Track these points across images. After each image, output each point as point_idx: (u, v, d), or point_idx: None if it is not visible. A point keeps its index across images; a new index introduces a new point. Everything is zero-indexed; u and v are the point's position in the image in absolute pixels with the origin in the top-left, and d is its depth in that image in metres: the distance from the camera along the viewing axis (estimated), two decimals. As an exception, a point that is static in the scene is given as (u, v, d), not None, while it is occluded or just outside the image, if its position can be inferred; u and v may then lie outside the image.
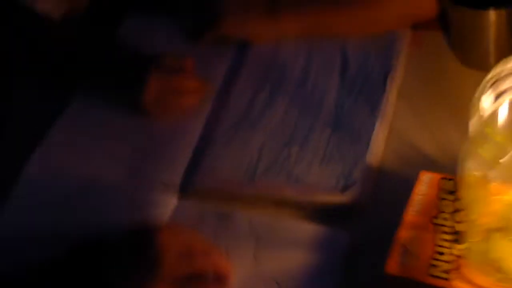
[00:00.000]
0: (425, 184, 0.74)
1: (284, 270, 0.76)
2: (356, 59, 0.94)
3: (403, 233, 0.71)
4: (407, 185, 0.75)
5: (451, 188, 0.73)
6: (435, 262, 0.68)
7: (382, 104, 0.87)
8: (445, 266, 0.68)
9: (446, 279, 0.67)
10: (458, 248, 0.69)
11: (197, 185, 0.86)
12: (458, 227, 0.69)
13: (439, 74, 0.90)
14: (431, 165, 0.75)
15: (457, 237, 0.69)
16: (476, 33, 0.86)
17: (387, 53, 0.93)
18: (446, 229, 0.70)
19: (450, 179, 0.73)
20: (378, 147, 0.84)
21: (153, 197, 0.84)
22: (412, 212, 0.72)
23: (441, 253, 0.69)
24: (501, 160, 0.60)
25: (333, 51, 0.96)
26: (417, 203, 0.73)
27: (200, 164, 0.88)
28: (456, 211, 0.71)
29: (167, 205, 0.83)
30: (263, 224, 0.81)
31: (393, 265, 0.69)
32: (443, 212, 0.72)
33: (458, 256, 0.68)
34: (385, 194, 0.80)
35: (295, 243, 0.78)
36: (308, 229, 0.79)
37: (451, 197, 0.73)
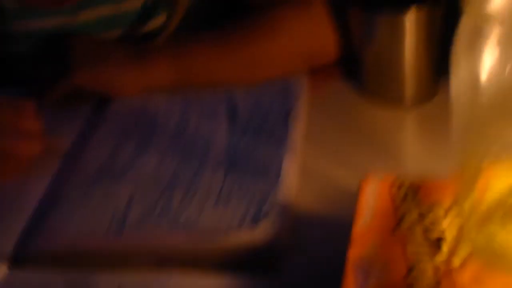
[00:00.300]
0: (370, 195, 0.52)
1: None
2: (247, 105, 0.75)
3: (356, 252, 0.48)
4: (330, 222, 0.58)
5: (405, 192, 0.52)
6: (412, 280, 0.44)
7: (287, 141, 0.67)
8: (429, 276, 0.44)
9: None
10: (443, 257, 0.45)
11: (34, 250, 0.58)
12: (437, 232, 0.47)
13: (346, 113, 0.74)
14: (352, 199, 0.55)
15: (435, 244, 0.47)
16: (391, 51, 0.73)
17: (284, 96, 0.76)
18: (417, 238, 0.48)
19: (400, 185, 0.52)
20: (290, 183, 0.62)
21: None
22: (361, 228, 0.50)
23: (418, 268, 0.45)
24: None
25: (216, 99, 0.76)
26: (364, 217, 0.50)
27: (40, 226, 0.62)
28: (422, 215, 0.49)
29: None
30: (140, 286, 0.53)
31: (350, 283, 0.44)
32: (404, 220, 0.49)
33: (447, 265, 0.45)
34: (306, 231, 0.58)
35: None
36: (206, 284, 0.53)
37: (410, 203, 0.51)
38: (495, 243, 0.46)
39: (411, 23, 0.71)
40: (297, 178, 0.65)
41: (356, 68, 0.78)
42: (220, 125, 0.73)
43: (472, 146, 0.46)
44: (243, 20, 0.80)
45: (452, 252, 0.47)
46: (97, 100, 0.80)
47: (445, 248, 0.48)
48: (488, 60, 0.44)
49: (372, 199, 0.53)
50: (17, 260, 0.60)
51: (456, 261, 0.47)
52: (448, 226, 0.49)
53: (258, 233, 0.56)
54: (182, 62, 0.79)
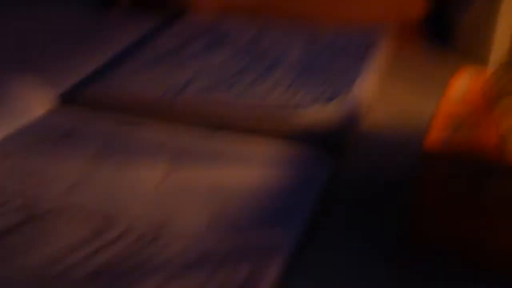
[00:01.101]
0: (467, 76, 0.48)
1: (219, 193, 0.44)
2: (328, 35, 0.70)
3: (447, 109, 0.42)
4: (398, 132, 0.55)
5: (500, 78, 0.47)
6: (508, 140, 0.39)
7: (367, 61, 0.62)
8: None
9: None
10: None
11: (88, 93, 0.55)
12: None
13: (428, 64, 0.70)
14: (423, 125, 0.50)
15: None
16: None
17: (368, 34, 0.71)
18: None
19: (496, 73, 0.48)
20: (365, 92, 0.57)
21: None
22: (455, 94, 0.45)
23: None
24: None
25: (295, 26, 0.72)
26: (460, 89, 0.46)
27: (104, 75, 0.58)
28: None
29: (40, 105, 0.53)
30: (187, 136, 0.49)
31: (435, 142, 0.39)
32: (506, 95, 0.44)
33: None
34: (378, 137, 0.53)
35: (243, 160, 0.46)
36: (264, 146, 0.48)
37: (505, 84, 0.46)
38: None
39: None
40: (371, 93, 0.60)
41: (444, 25, 0.74)
42: (298, 44, 0.69)
43: None
44: None
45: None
46: (172, 11, 0.77)
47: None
48: None
49: (467, 81, 0.48)
50: (69, 100, 0.56)
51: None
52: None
53: (331, 107, 0.51)
54: None
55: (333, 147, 0.51)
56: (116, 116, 0.53)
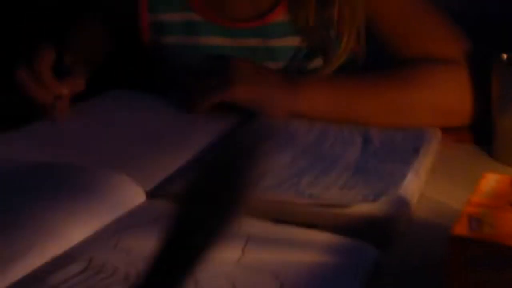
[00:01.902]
0: (492, 181, 0.56)
1: (284, 265, 0.53)
2: (380, 138, 0.80)
3: (470, 210, 0.51)
4: (439, 227, 0.60)
5: None
6: None
7: (413, 165, 0.72)
8: None
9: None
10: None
11: (171, 189, 0.66)
12: None
13: (471, 170, 0.77)
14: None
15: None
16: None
17: (416, 138, 0.80)
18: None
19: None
20: (410, 191, 0.66)
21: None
22: (479, 197, 0.53)
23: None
24: None
25: (352, 131, 0.82)
26: (483, 193, 0.54)
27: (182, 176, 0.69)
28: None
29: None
30: (258, 226, 0.59)
31: (462, 230, 0.48)
32: None
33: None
34: (421, 226, 0.61)
35: (299, 246, 0.56)
36: (319, 236, 0.58)
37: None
38: None
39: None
40: (416, 193, 0.69)
41: (489, 132, 0.82)
42: (353, 147, 0.78)
43: None
44: (396, 69, 0.87)
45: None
46: (242, 117, 0.87)
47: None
48: None
49: (491, 185, 0.56)
50: (155, 195, 0.67)
51: None
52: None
53: (378, 204, 0.60)
54: (327, 97, 0.86)
55: (379, 240, 0.59)
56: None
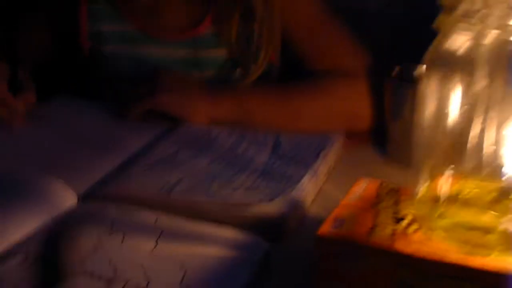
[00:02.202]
0: (363, 185, 0.69)
1: (189, 256, 0.65)
2: (289, 143, 0.92)
3: (339, 211, 0.64)
4: None
5: (386, 190, 0.68)
6: (376, 231, 0.60)
7: (312, 167, 0.84)
8: (386, 233, 0.60)
9: (387, 242, 0.58)
10: (401, 226, 0.61)
11: (103, 193, 0.77)
12: (400, 214, 0.63)
13: (367, 168, 0.89)
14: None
15: (398, 220, 0.62)
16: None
17: (320, 143, 0.92)
18: (386, 214, 0.64)
19: (384, 185, 0.69)
20: (305, 192, 0.78)
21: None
22: (349, 200, 0.66)
23: (382, 226, 0.61)
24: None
25: (266, 136, 0.94)
26: (354, 196, 0.67)
27: (112, 179, 0.81)
28: (397, 201, 0.65)
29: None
30: (172, 222, 0.71)
31: (325, 230, 0.60)
32: (381, 204, 0.65)
33: (403, 231, 0.60)
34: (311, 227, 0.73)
35: (205, 240, 0.68)
36: (223, 232, 0.69)
37: (388, 196, 0.67)
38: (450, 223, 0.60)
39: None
40: (312, 193, 0.81)
41: (385, 136, 0.95)
42: (264, 152, 0.90)
43: (431, 163, 0.63)
44: (301, 81, 1.00)
45: (408, 226, 0.62)
46: (169, 123, 0.98)
47: (404, 223, 0.63)
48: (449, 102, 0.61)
49: (362, 189, 0.68)
50: (87, 197, 0.78)
51: (410, 230, 0.62)
52: (408, 213, 0.64)
53: (273, 205, 0.73)
54: (244, 105, 0.99)
55: (273, 235, 0.72)
56: (122, 206, 0.74)
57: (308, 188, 0.79)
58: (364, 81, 0.98)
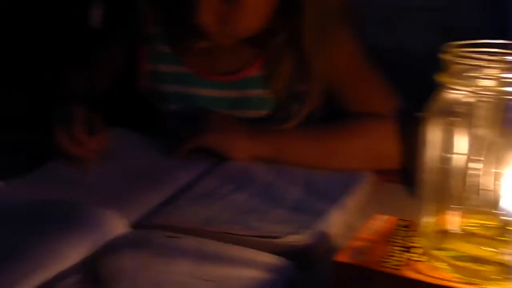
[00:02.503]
0: (380, 220, 0.77)
1: (225, 276, 0.75)
2: (320, 180, 1.01)
3: (355, 243, 0.72)
4: None
5: (405, 224, 0.76)
6: (387, 259, 0.68)
7: (340, 202, 0.92)
8: (396, 262, 0.68)
9: (397, 269, 0.67)
10: (409, 254, 0.69)
11: (152, 222, 0.87)
12: (412, 244, 0.71)
13: (395, 207, 0.96)
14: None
15: (407, 249, 0.71)
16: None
17: (349, 180, 1.01)
18: (398, 243, 0.72)
19: (400, 221, 0.77)
20: (331, 225, 0.87)
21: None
22: (366, 232, 0.74)
23: (392, 255, 0.69)
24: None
25: (300, 174, 1.03)
26: (371, 229, 0.75)
27: (161, 210, 0.91)
28: (409, 235, 0.73)
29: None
30: (212, 247, 0.80)
31: (343, 256, 0.69)
32: (397, 235, 0.73)
33: (409, 259, 0.68)
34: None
35: (240, 263, 0.77)
36: (257, 256, 0.79)
37: (405, 228, 0.75)
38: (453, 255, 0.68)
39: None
40: (339, 226, 0.89)
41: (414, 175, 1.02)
42: (297, 188, 0.99)
43: (436, 200, 0.71)
44: (335, 122, 1.09)
45: (416, 257, 0.70)
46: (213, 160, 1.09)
47: (412, 253, 0.71)
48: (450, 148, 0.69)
49: (380, 223, 0.77)
50: (138, 226, 0.88)
51: (418, 260, 0.70)
52: (417, 245, 0.71)
53: (301, 236, 0.82)
54: (282, 143, 1.08)
55: (300, 263, 0.80)
56: (168, 234, 0.83)
57: (335, 222, 0.88)
58: (393, 122, 1.06)
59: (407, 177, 1.05)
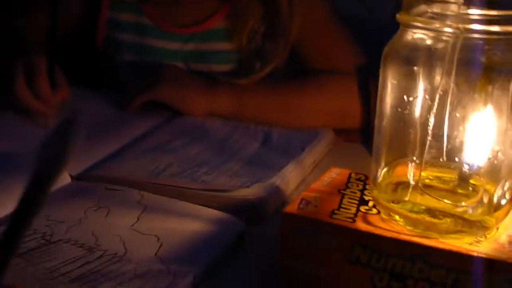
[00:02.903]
0: (334, 173, 0.73)
1: (167, 231, 0.70)
2: (279, 136, 0.97)
3: (306, 194, 0.68)
4: None
5: (359, 177, 0.72)
6: (338, 211, 0.64)
7: (297, 157, 0.88)
8: (347, 214, 0.64)
9: (347, 221, 0.63)
10: (362, 206, 0.65)
11: (96, 174, 0.82)
12: (367, 197, 0.67)
13: (352, 163, 0.92)
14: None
15: (363, 201, 0.67)
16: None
17: (309, 138, 0.96)
18: (350, 196, 0.68)
19: (354, 173, 0.73)
20: (286, 180, 0.83)
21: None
22: (317, 185, 0.70)
23: (344, 208, 0.65)
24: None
25: (258, 129, 0.99)
26: (323, 182, 0.71)
27: (107, 162, 0.86)
28: (364, 188, 0.69)
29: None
30: (155, 200, 0.76)
31: (290, 209, 0.65)
32: (348, 187, 0.69)
33: (360, 212, 0.64)
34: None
35: (184, 217, 0.73)
36: (202, 211, 0.74)
37: (359, 182, 0.71)
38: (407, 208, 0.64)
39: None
40: (294, 182, 0.85)
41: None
42: (254, 143, 0.95)
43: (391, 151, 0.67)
44: (297, 78, 1.04)
45: (369, 210, 0.66)
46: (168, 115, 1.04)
47: (366, 206, 0.67)
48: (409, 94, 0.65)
49: (332, 176, 0.73)
50: (80, 178, 0.83)
51: (371, 213, 0.66)
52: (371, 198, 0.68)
53: (250, 190, 0.77)
54: (239, 99, 1.03)
55: (251, 217, 0.76)
56: (111, 186, 0.79)
57: (290, 177, 0.84)
58: (355, 80, 1.02)
59: (367, 137, 1.01)
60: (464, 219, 0.61)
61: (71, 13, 1.20)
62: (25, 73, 0.95)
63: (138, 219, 0.70)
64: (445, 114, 0.62)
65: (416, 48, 0.62)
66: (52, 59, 0.98)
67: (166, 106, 1.02)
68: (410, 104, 0.63)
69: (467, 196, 0.64)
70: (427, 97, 0.63)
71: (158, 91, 1.01)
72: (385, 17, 1.45)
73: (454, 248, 0.58)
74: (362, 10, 1.61)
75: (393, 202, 0.64)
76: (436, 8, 0.59)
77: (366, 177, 0.71)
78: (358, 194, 0.68)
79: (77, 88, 1.14)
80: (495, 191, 0.62)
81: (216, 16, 1.13)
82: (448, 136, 0.63)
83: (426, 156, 0.63)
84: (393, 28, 0.66)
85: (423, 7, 0.61)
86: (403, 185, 0.65)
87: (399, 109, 0.63)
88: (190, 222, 0.71)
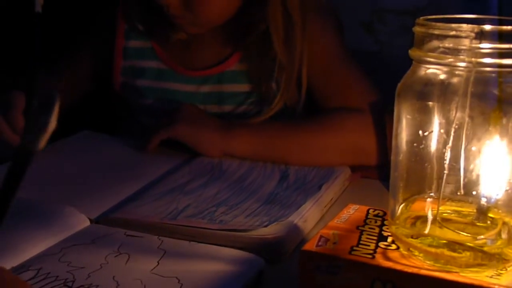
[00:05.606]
0: (352, 210, 0.73)
1: (187, 272, 0.70)
2: (295, 175, 0.97)
3: (325, 231, 0.68)
4: None
5: (377, 213, 0.72)
6: (357, 248, 0.64)
7: (315, 196, 0.88)
8: (367, 250, 0.64)
9: (367, 258, 0.63)
10: (380, 242, 0.65)
11: (115, 217, 0.83)
12: (385, 233, 0.67)
13: (371, 198, 0.93)
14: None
15: (381, 238, 0.67)
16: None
17: (326, 175, 0.97)
18: (369, 232, 0.68)
19: (371, 210, 0.73)
20: (304, 219, 0.83)
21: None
22: (336, 222, 0.70)
23: (365, 244, 0.65)
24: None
25: (274, 168, 0.99)
26: (341, 219, 0.71)
27: (125, 204, 0.87)
28: (382, 224, 0.69)
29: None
30: (175, 244, 0.76)
31: (310, 245, 0.65)
32: (369, 224, 0.70)
33: (383, 248, 0.64)
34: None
35: (203, 258, 0.73)
36: (222, 252, 0.75)
37: (377, 217, 0.71)
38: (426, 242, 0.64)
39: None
40: (312, 220, 0.85)
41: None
42: (271, 182, 0.95)
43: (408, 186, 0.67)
44: (312, 117, 1.05)
45: (388, 246, 0.66)
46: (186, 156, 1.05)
47: (385, 242, 0.67)
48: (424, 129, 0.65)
49: (352, 211, 0.73)
50: (100, 220, 0.83)
51: (392, 247, 0.66)
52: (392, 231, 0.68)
53: (269, 229, 0.77)
54: (257, 140, 1.04)
55: (271, 256, 0.76)
56: (130, 232, 0.80)
57: (308, 215, 0.84)
58: (369, 117, 1.02)
59: (384, 173, 1.01)
60: (484, 252, 0.61)
61: (89, 63, 1.22)
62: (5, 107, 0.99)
63: (158, 263, 0.71)
64: (461, 147, 0.62)
65: (429, 83, 0.62)
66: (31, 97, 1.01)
67: (185, 146, 1.03)
68: (425, 138, 0.63)
69: (486, 229, 0.64)
70: (442, 131, 0.63)
71: (176, 130, 1.03)
72: (395, 50, 1.48)
73: (475, 282, 0.58)
74: (371, 44, 1.63)
75: (412, 237, 0.63)
76: (448, 43, 0.60)
77: (384, 213, 0.71)
78: (377, 230, 0.68)
79: (93, 132, 1.16)
80: (514, 223, 0.62)
81: (231, 59, 1.14)
82: (464, 170, 0.63)
83: (443, 190, 0.63)
84: (405, 60, 0.67)
85: (435, 42, 0.61)
86: (422, 219, 0.65)
87: (415, 144, 0.63)
88: (210, 262, 0.71)
